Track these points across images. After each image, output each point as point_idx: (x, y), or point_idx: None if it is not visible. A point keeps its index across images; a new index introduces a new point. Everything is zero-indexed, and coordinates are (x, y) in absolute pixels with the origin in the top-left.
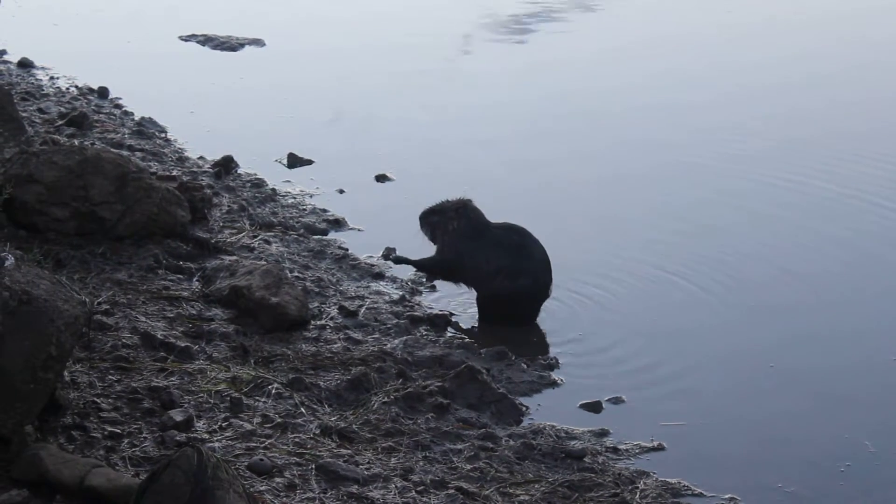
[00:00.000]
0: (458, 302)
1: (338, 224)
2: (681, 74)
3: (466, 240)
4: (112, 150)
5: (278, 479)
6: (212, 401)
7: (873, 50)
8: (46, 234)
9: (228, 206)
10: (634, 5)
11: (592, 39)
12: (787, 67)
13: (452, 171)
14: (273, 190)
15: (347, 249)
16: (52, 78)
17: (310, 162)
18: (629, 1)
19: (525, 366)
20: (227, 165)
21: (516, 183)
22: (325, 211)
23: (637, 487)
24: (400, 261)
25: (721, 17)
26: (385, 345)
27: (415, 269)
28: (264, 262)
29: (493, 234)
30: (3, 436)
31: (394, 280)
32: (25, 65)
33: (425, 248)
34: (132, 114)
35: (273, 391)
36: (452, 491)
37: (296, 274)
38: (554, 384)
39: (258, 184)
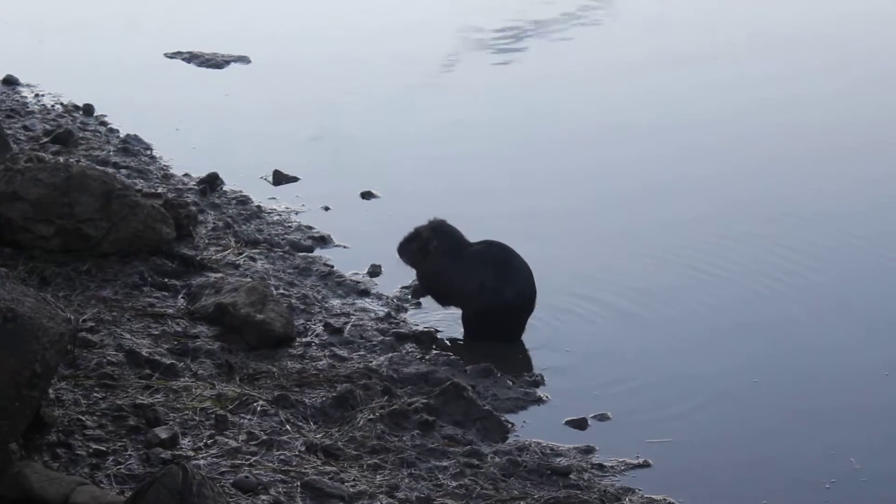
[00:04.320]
0: (443, 319)
1: (323, 241)
2: (669, 92)
3: (448, 257)
4: (97, 167)
5: (263, 497)
6: (197, 418)
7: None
8: (31, 251)
9: (214, 223)
10: (626, 23)
11: (581, 56)
12: (778, 84)
13: (438, 188)
14: (258, 207)
15: (333, 266)
16: (37, 95)
17: (295, 179)
18: (619, 19)
19: (511, 382)
20: (212, 182)
21: (502, 199)
22: (310, 228)
23: None
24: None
25: (712, 36)
26: (370, 362)
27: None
28: (249, 279)
29: (474, 251)
30: None
31: (379, 297)
32: (10, 82)
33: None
34: (117, 131)
35: (258, 408)
36: None
37: (281, 291)
38: (539, 401)
39: (243, 201)
